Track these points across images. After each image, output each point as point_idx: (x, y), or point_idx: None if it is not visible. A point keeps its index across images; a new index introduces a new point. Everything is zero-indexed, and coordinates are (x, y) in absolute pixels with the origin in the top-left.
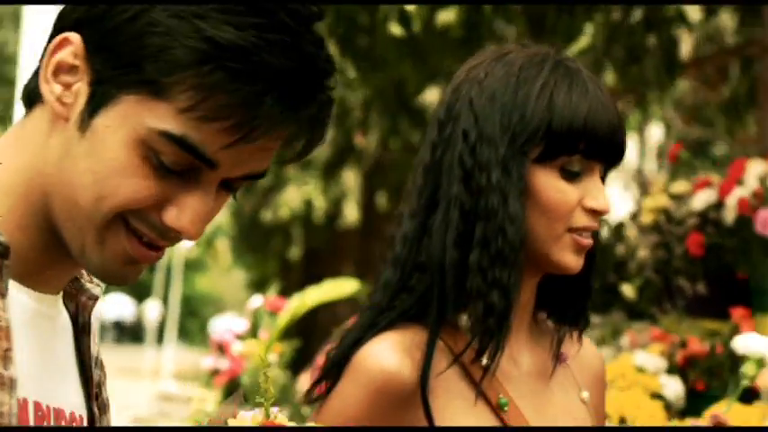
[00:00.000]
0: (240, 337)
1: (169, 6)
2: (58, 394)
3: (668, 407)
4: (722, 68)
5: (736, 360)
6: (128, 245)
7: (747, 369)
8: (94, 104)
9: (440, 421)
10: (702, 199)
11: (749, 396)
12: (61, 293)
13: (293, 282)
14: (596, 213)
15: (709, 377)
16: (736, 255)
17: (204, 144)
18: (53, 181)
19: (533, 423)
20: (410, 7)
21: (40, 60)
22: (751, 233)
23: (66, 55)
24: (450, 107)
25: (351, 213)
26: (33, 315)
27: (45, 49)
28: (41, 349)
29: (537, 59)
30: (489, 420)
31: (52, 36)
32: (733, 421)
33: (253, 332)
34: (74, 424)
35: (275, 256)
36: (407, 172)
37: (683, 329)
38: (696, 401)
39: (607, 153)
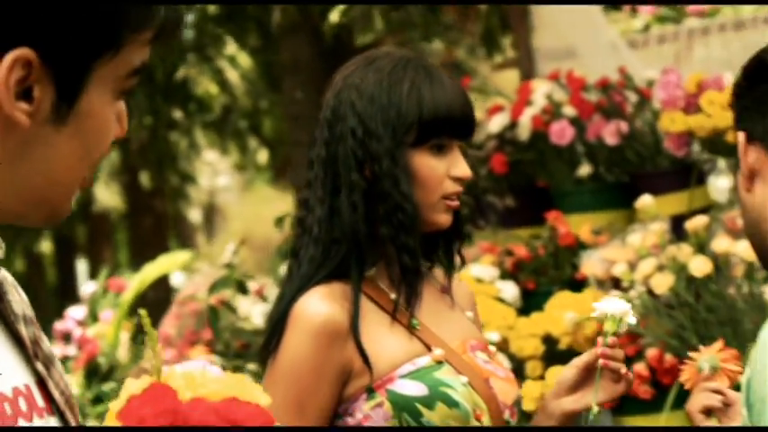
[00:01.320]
0: (81, 323)
1: None
2: (17, 371)
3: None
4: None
5: (557, 256)
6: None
7: (608, 326)
8: (69, 94)
9: (369, 345)
10: (497, 122)
11: (577, 285)
12: None
13: None
14: (461, 180)
15: (536, 276)
16: (535, 167)
17: (146, 56)
18: (5, 185)
19: (442, 336)
20: None
21: None
22: (546, 145)
23: (22, 73)
24: (336, 110)
25: (106, 197)
26: None
27: None
28: None
29: (401, 64)
30: (409, 338)
31: None
32: (568, 308)
33: (93, 317)
34: (19, 398)
35: (22, 251)
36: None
37: (500, 240)
38: (530, 299)
39: (463, 131)
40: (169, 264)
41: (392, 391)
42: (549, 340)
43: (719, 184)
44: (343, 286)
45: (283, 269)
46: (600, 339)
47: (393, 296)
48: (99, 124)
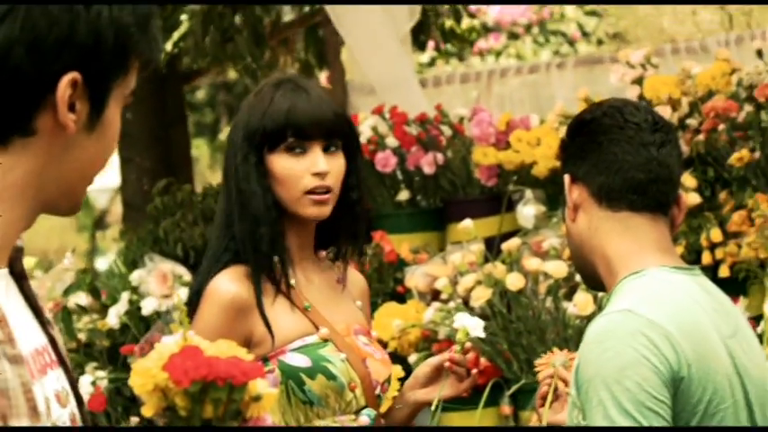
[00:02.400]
0: None
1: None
2: (33, 337)
3: None
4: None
5: (381, 271)
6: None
7: (460, 336)
8: (99, 107)
9: (273, 321)
10: None
11: (399, 297)
12: None
13: None
14: (320, 175)
15: None
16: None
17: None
18: (51, 178)
19: (330, 320)
20: None
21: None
22: (370, 172)
23: (71, 91)
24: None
25: None
26: (4, 288)
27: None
28: (16, 308)
29: (271, 83)
30: (301, 318)
31: (46, 76)
32: (394, 316)
33: None
34: (45, 354)
35: None
36: None
37: None
38: None
39: (316, 135)
40: None
41: (282, 361)
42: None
43: (526, 212)
44: (247, 269)
45: None
46: (454, 347)
47: (293, 281)
48: (114, 131)
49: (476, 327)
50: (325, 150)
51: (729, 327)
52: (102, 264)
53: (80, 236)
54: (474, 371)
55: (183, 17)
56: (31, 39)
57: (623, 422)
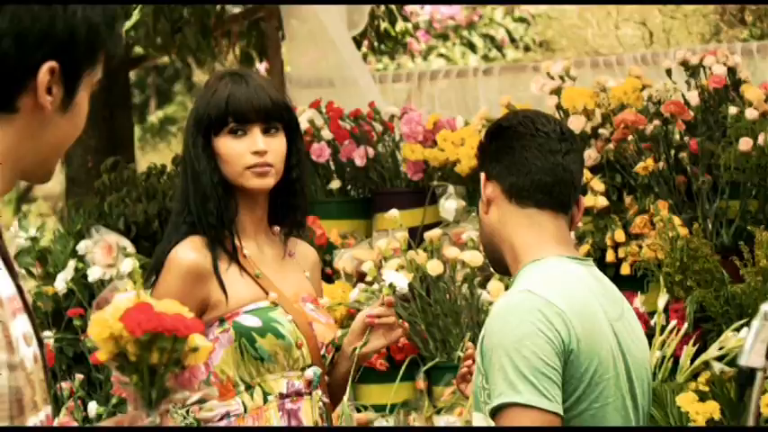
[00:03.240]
0: None
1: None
2: (4, 285)
3: None
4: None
5: None
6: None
7: (386, 291)
8: (71, 92)
9: (228, 287)
10: None
11: (328, 278)
12: None
13: None
14: (259, 153)
15: None
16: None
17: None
18: (29, 150)
19: (279, 287)
20: None
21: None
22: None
23: (49, 77)
24: None
25: None
26: None
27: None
28: None
29: (218, 75)
30: (253, 284)
31: (28, 63)
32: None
33: None
34: (14, 301)
35: None
36: None
37: None
38: None
39: (254, 118)
40: None
41: (236, 321)
42: None
43: (448, 206)
44: (204, 239)
45: None
46: (379, 300)
47: (246, 252)
48: (83, 113)
49: (400, 281)
50: (265, 132)
51: (616, 311)
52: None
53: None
54: (402, 322)
55: (136, 8)
56: (16, 31)
57: (520, 384)
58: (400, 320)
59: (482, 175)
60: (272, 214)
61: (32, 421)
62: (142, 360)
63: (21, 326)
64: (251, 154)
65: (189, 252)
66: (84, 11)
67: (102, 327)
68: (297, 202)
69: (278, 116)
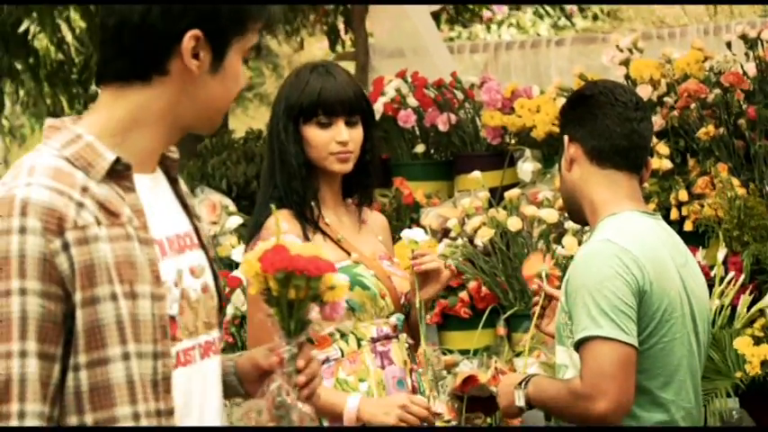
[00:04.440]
0: None
1: None
2: (181, 224)
3: None
4: None
5: (399, 211)
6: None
7: (412, 245)
8: (219, 56)
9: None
10: None
11: None
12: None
13: None
14: (342, 143)
15: None
16: (381, 142)
17: (256, 40)
18: (186, 107)
19: (359, 248)
20: None
21: (162, 46)
22: (392, 126)
23: (194, 44)
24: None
25: None
26: (152, 189)
27: (172, 41)
28: (163, 206)
29: (309, 67)
30: (336, 248)
31: (174, 31)
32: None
33: None
34: (187, 239)
35: None
36: None
37: None
38: None
39: (340, 112)
40: None
41: None
42: None
43: (525, 168)
44: (293, 211)
45: None
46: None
47: (327, 221)
48: (233, 75)
49: (418, 235)
50: (347, 124)
51: (681, 258)
52: None
53: None
54: (449, 264)
55: None
56: (163, 3)
57: (601, 320)
58: (448, 264)
59: (565, 137)
60: (345, 187)
61: (184, 344)
62: (281, 295)
63: (189, 260)
64: (335, 143)
65: (283, 222)
66: None
67: (248, 266)
68: (369, 180)
69: (359, 108)
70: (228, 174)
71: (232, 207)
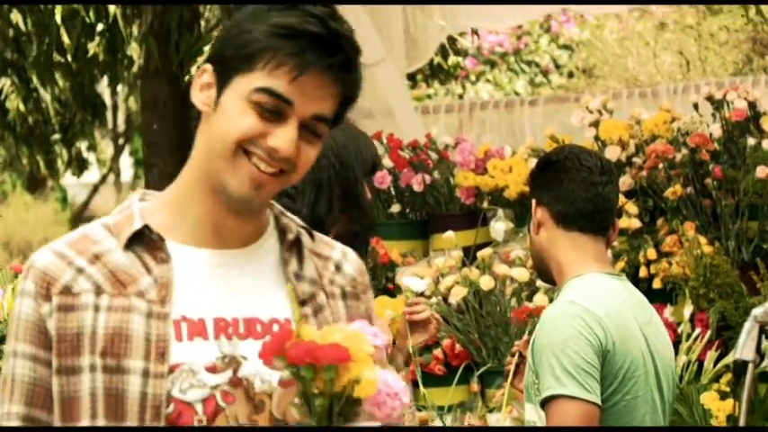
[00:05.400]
0: None
1: (250, 21)
2: (253, 308)
3: None
4: None
5: (375, 270)
6: (251, 171)
7: (409, 294)
8: (219, 91)
9: None
10: None
11: (390, 293)
12: (255, 244)
13: None
14: None
15: None
16: None
17: (278, 87)
18: (206, 151)
19: None
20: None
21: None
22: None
23: (204, 78)
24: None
25: None
26: (213, 265)
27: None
28: (223, 285)
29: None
30: None
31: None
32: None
33: None
34: (274, 326)
35: None
36: None
37: None
38: None
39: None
40: None
41: None
42: None
43: (498, 227)
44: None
45: None
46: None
47: None
48: (226, 115)
49: (416, 283)
50: None
51: (645, 317)
52: None
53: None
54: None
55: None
56: None
57: (565, 379)
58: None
59: (533, 201)
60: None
61: None
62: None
63: (243, 349)
64: None
65: None
66: (240, 16)
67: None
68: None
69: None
70: None
71: None
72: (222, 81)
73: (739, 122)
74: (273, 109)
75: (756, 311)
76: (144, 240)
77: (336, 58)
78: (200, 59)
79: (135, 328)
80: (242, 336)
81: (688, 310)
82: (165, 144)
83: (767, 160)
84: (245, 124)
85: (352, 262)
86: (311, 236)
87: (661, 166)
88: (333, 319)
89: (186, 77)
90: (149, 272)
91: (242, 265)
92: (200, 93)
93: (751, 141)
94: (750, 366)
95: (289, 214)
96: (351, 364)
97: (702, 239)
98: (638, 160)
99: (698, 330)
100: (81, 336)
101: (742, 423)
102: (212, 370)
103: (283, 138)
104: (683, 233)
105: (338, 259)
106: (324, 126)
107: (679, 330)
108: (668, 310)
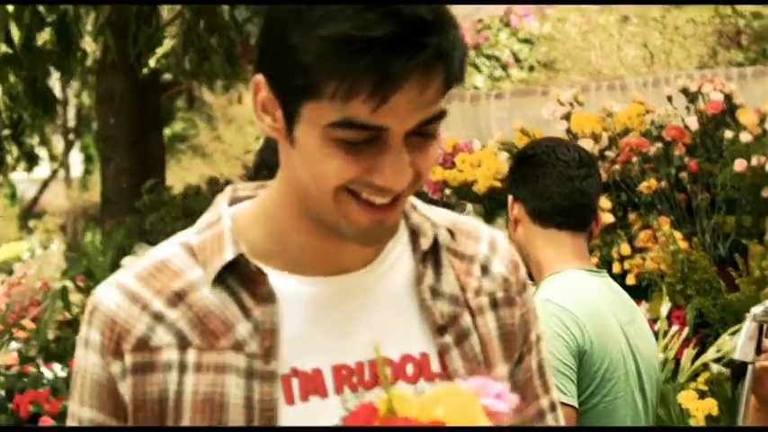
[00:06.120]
0: None
1: (294, 28)
2: (371, 347)
3: None
4: None
5: None
6: (362, 211)
7: None
8: (289, 124)
9: None
10: None
11: None
12: (377, 260)
13: None
14: None
15: None
16: None
17: (361, 116)
18: (297, 184)
19: None
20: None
21: None
22: None
23: (263, 94)
24: None
25: None
26: (326, 297)
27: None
28: (341, 321)
29: None
30: None
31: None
32: None
33: None
34: (407, 366)
35: None
36: None
37: None
38: None
39: None
40: (11, 251)
41: None
42: None
43: None
44: None
45: None
46: None
47: None
48: (308, 156)
49: None
50: None
51: (627, 316)
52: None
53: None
54: None
55: (166, 38)
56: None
57: None
58: None
59: (510, 198)
60: None
61: None
62: None
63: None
64: None
65: None
66: (277, 17)
67: None
68: None
69: None
70: (167, 230)
71: None
72: (288, 110)
73: (715, 115)
74: (365, 140)
75: (755, 310)
76: (238, 271)
77: (426, 53)
78: (159, 51)
79: (232, 392)
80: (368, 385)
81: (665, 307)
82: (121, 138)
83: (744, 153)
84: (336, 170)
85: (502, 254)
86: (452, 232)
87: (635, 159)
88: (483, 342)
89: (144, 70)
90: (247, 315)
91: (363, 292)
92: (264, 114)
93: (728, 134)
94: (750, 368)
95: (422, 207)
96: None
97: (678, 234)
98: (610, 154)
99: (675, 328)
100: (164, 403)
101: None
102: None
103: (390, 172)
104: (658, 228)
105: (485, 256)
106: (435, 125)
107: (655, 328)
108: (643, 307)
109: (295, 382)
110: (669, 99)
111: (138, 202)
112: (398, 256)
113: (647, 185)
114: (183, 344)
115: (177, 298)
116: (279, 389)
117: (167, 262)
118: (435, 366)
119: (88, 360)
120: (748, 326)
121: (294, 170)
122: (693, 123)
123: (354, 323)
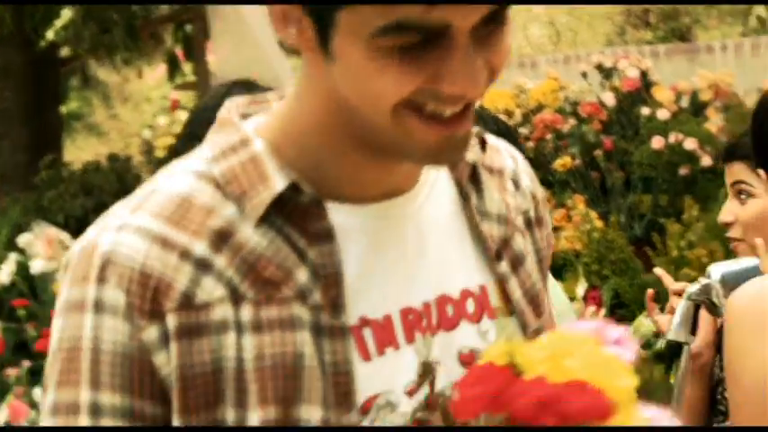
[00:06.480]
0: None
1: None
2: (441, 281)
3: None
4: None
5: None
6: (429, 127)
7: None
8: (322, 36)
9: None
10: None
11: None
12: (420, 181)
13: None
14: None
15: None
16: None
17: (414, 15)
18: (337, 106)
19: None
20: None
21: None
22: None
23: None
24: None
25: None
26: (382, 229)
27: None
28: (401, 255)
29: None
30: None
31: None
32: None
33: None
34: (467, 303)
35: None
36: None
37: None
38: None
39: None
40: None
41: None
42: None
43: None
44: None
45: None
46: None
47: None
48: (353, 70)
49: None
50: None
51: None
52: None
53: None
54: None
55: (65, 9)
56: None
57: None
58: None
59: None
60: None
61: None
62: None
63: (459, 340)
64: None
65: None
66: None
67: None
68: None
69: None
70: (66, 207)
71: (69, 242)
72: (320, 19)
73: (631, 92)
74: (424, 42)
75: (691, 289)
76: (284, 204)
77: None
78: (58, 23)
79: (306, 355)
80: (434, 329)
81: (581, 287)
82: (17, 113)
83: (662, 131)
84: (392, 84)
85: (524, 167)
86: (483, 142)
87: (549, 136)
88: (530, 269)
89: (42, 42)
90: (302, 258)
91: (418, 219)
92: (287, 27)
93: (645, 111)
94: (686, 348)
95: None
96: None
97: (593, 213)
98: (524, 131)
99: (591, 308)
100: (219, 375)
101: (674, 409)
102: (412, 393)
103: (462, 76)
104: (573, 206)
105: (512, 170)
106: (504, 10)
107: (572, 307)
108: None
109: (368, 333)
110: (584, 75)
111: (36, 178)
112: (437, 175)
113: (562, 163)
114: (237, 298)
115: (220, 240)
116: (352, 345)
117: (190, 197)
118: (494, 300)
119: (102, 327)
120: (683, 305)
121: (333, 87)
122: (610, 99)
123: (417, 256)
